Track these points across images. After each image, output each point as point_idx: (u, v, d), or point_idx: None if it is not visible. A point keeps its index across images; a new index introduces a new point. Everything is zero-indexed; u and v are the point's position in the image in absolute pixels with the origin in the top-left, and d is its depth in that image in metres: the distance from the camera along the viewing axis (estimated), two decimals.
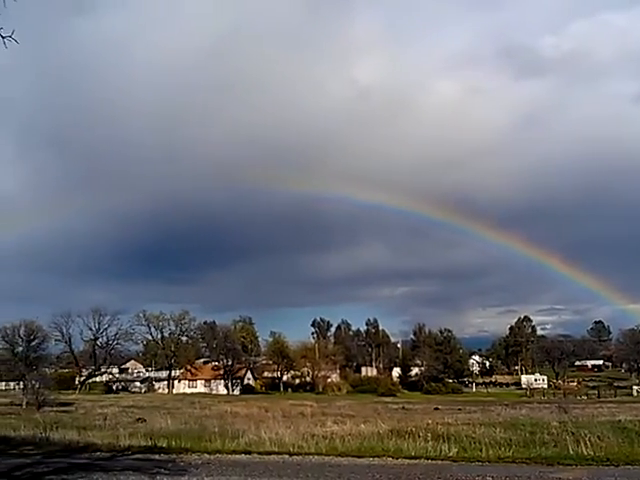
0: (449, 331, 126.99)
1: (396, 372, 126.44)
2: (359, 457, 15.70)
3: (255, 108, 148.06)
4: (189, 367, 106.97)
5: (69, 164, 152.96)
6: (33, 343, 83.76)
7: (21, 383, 64.01)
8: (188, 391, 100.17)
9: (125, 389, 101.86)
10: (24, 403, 50.19)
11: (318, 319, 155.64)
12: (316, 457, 15.88)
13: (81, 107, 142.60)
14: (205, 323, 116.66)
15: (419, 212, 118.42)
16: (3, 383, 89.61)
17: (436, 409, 51.51)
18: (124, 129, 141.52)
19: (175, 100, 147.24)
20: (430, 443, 16.88)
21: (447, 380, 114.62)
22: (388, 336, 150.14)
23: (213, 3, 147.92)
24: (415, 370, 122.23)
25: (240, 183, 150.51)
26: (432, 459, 15.09)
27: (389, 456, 15.57)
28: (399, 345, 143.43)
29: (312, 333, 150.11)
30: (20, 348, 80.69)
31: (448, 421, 27.01)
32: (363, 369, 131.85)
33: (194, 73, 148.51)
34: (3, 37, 7.24)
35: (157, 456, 17.10)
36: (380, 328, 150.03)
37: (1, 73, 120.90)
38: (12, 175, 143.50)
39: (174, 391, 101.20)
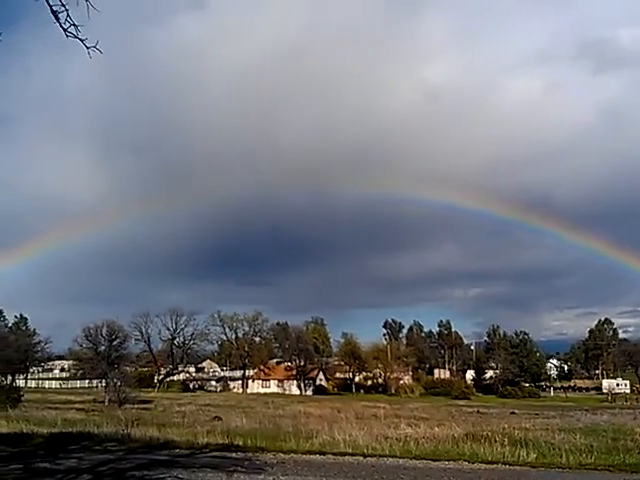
0: (525, 333, 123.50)
1: (470, 375, 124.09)
2: (434, 460, 15.54)
3: (328, 111, 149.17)
4: (262, 367, 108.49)
5: (149, 169, 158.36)
6: (115, 342, 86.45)
7: (103, 381, 66.51)
8: (262, 391, 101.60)
9: (201, 388, 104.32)
10: (106, 400, 52.19)
11: (390, 320, 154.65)
12: (390, 459, 15.81)
13: (160, 115, 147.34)
14: (278, 324, 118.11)
15: (492, 212, 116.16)
16: (87, 381, 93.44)
17: (512, 413, 50.36)
18: (201, 135, 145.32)
19: (250, 106, 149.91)
20: (507, 448, 16.52)
21: (523, 384, 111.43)
22: (461, 338, 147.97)
23: (286, 7, 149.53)
24: (490, 373, 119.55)
25: (313, 185, 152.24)
26: (510, 464, 14.78)
27: (465, 460, 15.35)
28: (472, 347, 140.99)
29: (384, 334, 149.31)
30: (102, 347, 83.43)
31: (525, 426, 26.36)
32: (436, 371, 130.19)
33: (267, 78, 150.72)
34: (88, 47, 7.56)
35: (234, 454, 17.42)
36: (453, 330, 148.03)
37: (86, 82, 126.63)
38: (96, 180, 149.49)
39: (248, 390, 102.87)
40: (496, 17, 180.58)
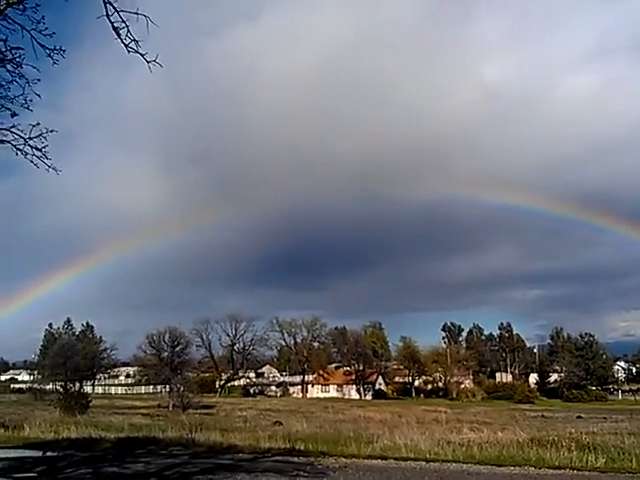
0: (591, 335, 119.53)
1: (533, 378, 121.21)
2: (498, 466, 15.26)
3: (382, 114, 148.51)
4: (321, 372, 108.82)
5: (207, 180, 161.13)
6: (177, 349, 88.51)
7: (167, 387, 68.02)
8: (321, 395, 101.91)
9: (261, 393, 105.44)
10: (170, 405, 53.31)
11: (449, 323, 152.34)
12: (453, 464, 15.62)
13: (216, 126, 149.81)
14: (336, 328, 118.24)
15: (552, 211, 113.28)
16: (151, 387, 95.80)
17: (579, 417, 49.02)
18: (256, 145, 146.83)
19: (303, 114, 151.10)
20: (575, 453, 16.09)
21: (590, 387, 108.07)
22: (523, 341, 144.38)
23: (338, 13, 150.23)
24: (554, 376, 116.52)
25: (368, 191, 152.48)
26: (578, 469, 14.40)
27: (531, 465, 15.04)
28: (535, 350, 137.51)
29: (443, 338, 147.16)
30: (165, 353, 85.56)
31: (593, 430, 25.54)
32: (497, 375, 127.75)
33: (320, 85, 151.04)
34: (148, 62, 7.80)
35: (296, 459, 17.53)
36: (514, 332, 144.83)
37: (146, 96, 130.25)
38: (157, 192, 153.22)
39: (308, 395, 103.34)
40: (551, 14, 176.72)
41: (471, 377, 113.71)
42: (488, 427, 27.90)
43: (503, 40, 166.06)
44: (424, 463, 16.08)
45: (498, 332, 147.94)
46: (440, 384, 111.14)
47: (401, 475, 14.29)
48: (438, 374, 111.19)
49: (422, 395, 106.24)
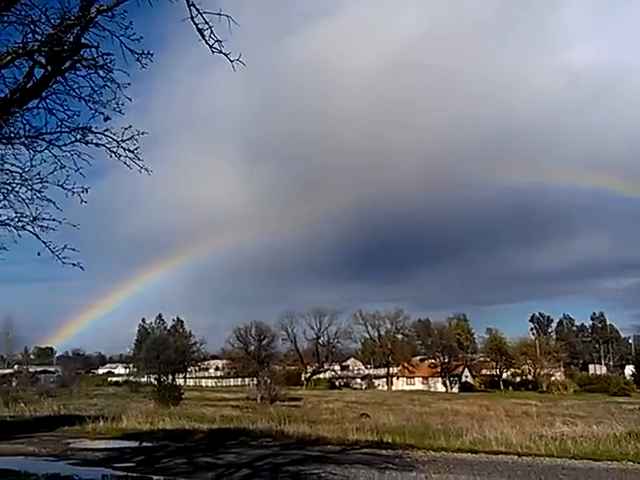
0: None
1: (629, 370, 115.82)
2: (594, 460, 14.81)
3: (464, 103, 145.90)
4: (406, 364, 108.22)
5: (291, 176, 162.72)
6: (263, 342, 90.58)
7: (254, 379, 69.50)
8: (406, 388, 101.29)
9: (347, 385, 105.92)
10: (258, 398, 54.43)
11: (537, 314, 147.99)
12: (547, 459, 15.27)
13: (298, 122, 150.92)
14: (419, 321, 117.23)
15: None
16: (239, 379, 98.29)
17: None
18: (340, 138, 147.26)
19: (381, 107, 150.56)
20: None
21: None
22: (617, 331, 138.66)
23: (417, 3, 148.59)
24: None
25: (452, 180, 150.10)
26: None
27: (629, 460, 14.49)
28: (631, 341, 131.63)
29: (531, 329, 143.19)
30: (252, 347, 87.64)
31: None
32: (590, 367, 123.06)
33: (399, 78, 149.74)
34: (232, 61, 8.01)
35: (384, 451, 17.59)
36: (607, 323, 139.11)
37: (229, 96, 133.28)
38: (242, 191, 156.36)
39: (393, 388, 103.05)
40: None
41: (562, 369, 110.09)
42: (582, 420, 27.05)
43: (587, 25, 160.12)
44: (516, 457, 15.80)
45: (590, 322, 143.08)
46: (529, 377, 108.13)
47: (492, 469, 14.10)
48: (527, 366, 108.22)
49: (510, 388, 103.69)
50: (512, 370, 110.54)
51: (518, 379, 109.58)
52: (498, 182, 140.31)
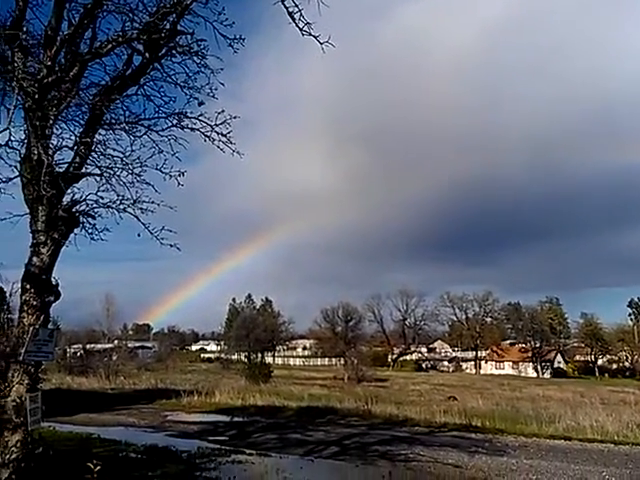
0: None
1: None
2: None
3: (560, 81, 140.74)
4: (495, 348, 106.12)
5: (379, 158, 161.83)
6: (350, 323, 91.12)
7: (341, 359, 70.18)
8: (495, 372, 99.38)
9: (434, 367, 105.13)
10: (345, 377, 55.02)
11: (636, 299, 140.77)
12: None
13: (382, 106, 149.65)
14: (509, 304, 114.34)
15: None
16: (326, 359, 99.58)
17: None
18: (421, 121, 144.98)
19: (472, 84, 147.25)
20: None
21: None
22: None
23: None
24: None
25: (545, 159, 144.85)
26: None
27: None
28: None
29: (629, 315, 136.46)
30: (339, 328, 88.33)
31: None
32: None
33: (491, 55, 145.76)
34: (321, 43, 8.05)
35: (472, 435, 17.44)
36: None
37: (317, 79, 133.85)
38: (328, 173, 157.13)
39: (481, 371, 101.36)
40: None
41: None
42: None
43: None
44: (612, 445, 15.29)
45: None
46: (627, 364, 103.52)
47: (586, 457, 13.71)
48: (624, 353, 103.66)
49: (606, 375, 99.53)
50: (608, 357, 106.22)
51: (615, 366, 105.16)
52: (600, 161, 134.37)
